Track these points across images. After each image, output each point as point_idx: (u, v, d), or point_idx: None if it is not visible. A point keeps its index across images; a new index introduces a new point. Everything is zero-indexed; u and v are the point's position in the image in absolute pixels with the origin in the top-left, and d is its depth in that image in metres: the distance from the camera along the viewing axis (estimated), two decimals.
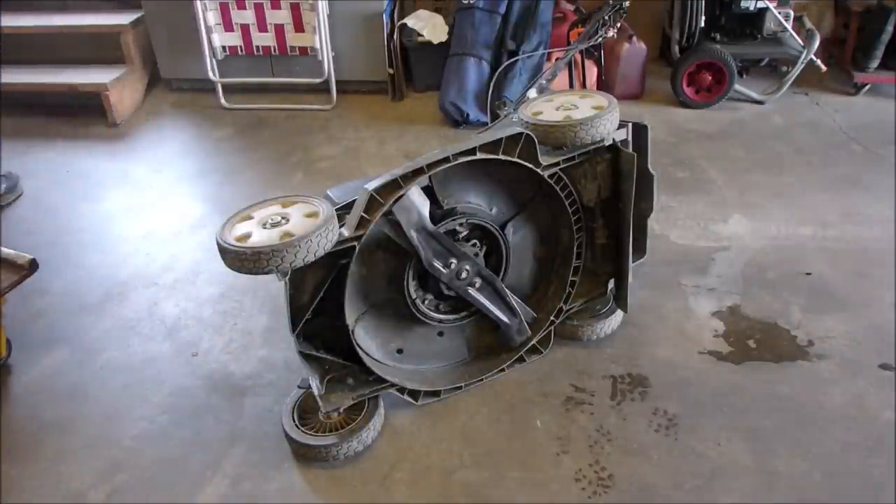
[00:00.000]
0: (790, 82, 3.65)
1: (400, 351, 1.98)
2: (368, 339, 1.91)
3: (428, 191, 1.77)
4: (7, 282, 2.03)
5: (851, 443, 1.82)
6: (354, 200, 1.71)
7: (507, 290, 1.96)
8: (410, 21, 3.89)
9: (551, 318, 2.08)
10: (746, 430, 1.87)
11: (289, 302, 1.67)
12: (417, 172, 1.69)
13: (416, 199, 1.70)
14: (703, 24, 3.67)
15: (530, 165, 1.82)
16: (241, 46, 3.83)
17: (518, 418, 1.94)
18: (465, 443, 1.88)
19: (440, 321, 1.98)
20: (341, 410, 1.86)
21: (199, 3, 3.65)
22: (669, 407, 1.95)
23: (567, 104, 1.92)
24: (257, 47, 3.83)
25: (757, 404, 1.95)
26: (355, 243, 1.67)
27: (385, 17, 3.79)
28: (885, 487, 1.70)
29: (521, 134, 1.78)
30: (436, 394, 1.98)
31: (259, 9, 3.71)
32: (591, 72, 3.67)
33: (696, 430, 1.88)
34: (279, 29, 3.76)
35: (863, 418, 1.89)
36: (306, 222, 1.58)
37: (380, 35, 3.80)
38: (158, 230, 2.88)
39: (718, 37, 3.72)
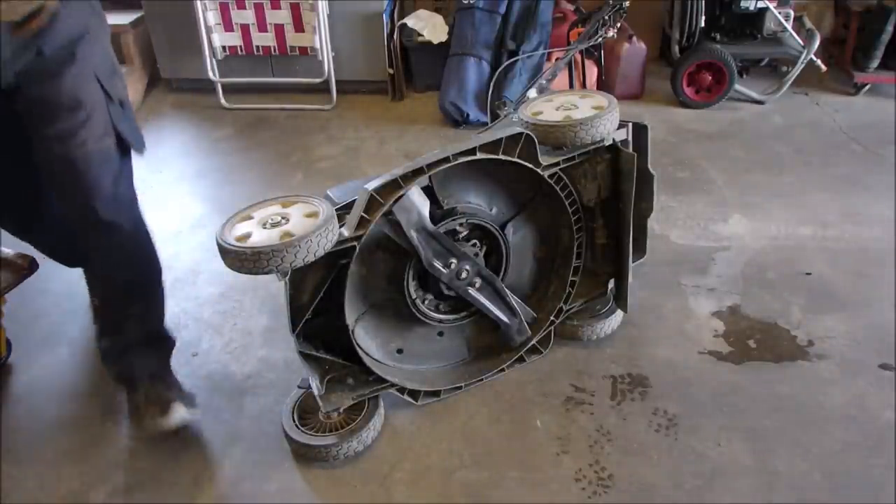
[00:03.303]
0: (790, 82, 3.65)
1: (400, 351, 1.98)
2: (368, 339, 1.91)
3: (428, 191, 1.77)
4: (7, 282, 2.04)
5: (851, 443, 1.82)
6: (354, 200, 1.71)
7: (507, 290, 1.96)
8: (410, 21, 3.89)
9: (551, 318, 2.08)
10: (746, 430, 1.87)
11: (289, 302, 1.67)
12: (417, 172, 1.69)
13: (416, 199, 1.70)
14: (703, 24, 3.67)
15: (530, 165, 1.82)
16: (241, 46, 3.83)
17: (518, 418, 1.95)
18: (465, 443, 1.88)
19: (440, 321, 1.98)
20: (341, 410, 1.86)
21: (199, 3, 3.65)
22: (669, 407, 1.95)
23: (567, 104, 1.92)
24: (257, 47, 3.83)
25: (757, 404, 1.95)
26: (355, 243, 1.67)
27: (385, 17, 3.79)
28: (885, 487, 1.70)
29: (521, 134, 1.78)
30: (436, 394, 1.98)
31: (259, 9, 3.71)
32: (591, 72, 3.67)
33: (696, 430, 1.88)
34: (279, 29, 3.77)
35: (863, 418, 1.89)
36: (306, 222, 1.58)
37: (380, 35, 3.80)
38: (158, 230, 2.85)
39: (718, 37, 3.73)
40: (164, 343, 1.98)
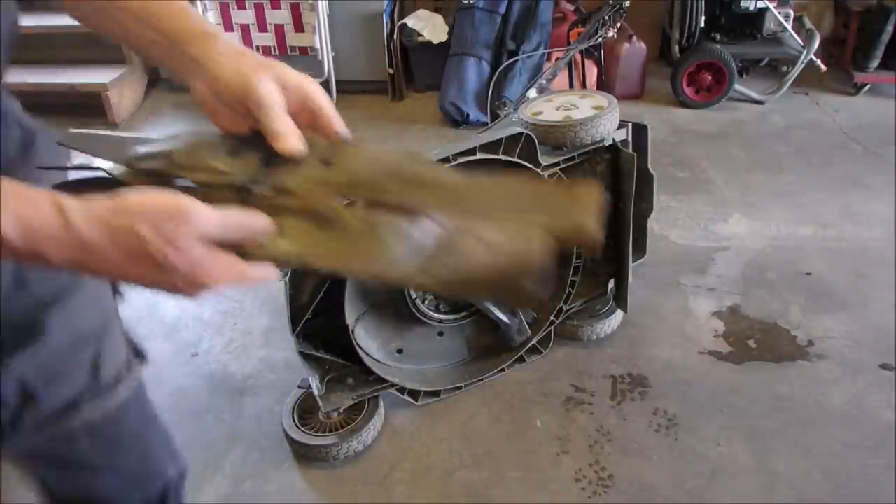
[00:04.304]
0: (790, 82, 3.65)
1: (400, 351, 1.98)
2: (368, 339, 1.91)
3: None
4: None
5: (851, 443, 1.82)
6: None
7: None
8: (410, 21, 3.89)
9: (551, 318, 2.08)
10: (746, 430, 1.87)
11: (289, 302, 1.67)
12: None
13: None
14: (703, 24, 3.67)
15: (530, 165, 1.82)
16: None
17: (518, 418, 1.94)
18: (465, 443, 1.88)
19: (440, 321, 1.98)
20: (341, 410, 1.86)
21: (199, 3, 3.64)
22: (669, 407, 1.95)
23: (567, 104, 1.92)
24: (257, 47, 3.82)
25: (757, 404, 1.95)
26: None
27: (385, 17, 3.79)
28: (885, 487, 1.70)
29: (521, 134, 1.78)
30: (436, 394, 1.98)
31: (259, 9, 3.70)
32: (591, 72, 3.67)
33: (696, 430, 1.88)
34: (279, 29, 3.76)
35: (863, 418, 1.89)
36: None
37: (380, 35, 3.80)
38: None
39: (718, 37, 3.72)
40: None
